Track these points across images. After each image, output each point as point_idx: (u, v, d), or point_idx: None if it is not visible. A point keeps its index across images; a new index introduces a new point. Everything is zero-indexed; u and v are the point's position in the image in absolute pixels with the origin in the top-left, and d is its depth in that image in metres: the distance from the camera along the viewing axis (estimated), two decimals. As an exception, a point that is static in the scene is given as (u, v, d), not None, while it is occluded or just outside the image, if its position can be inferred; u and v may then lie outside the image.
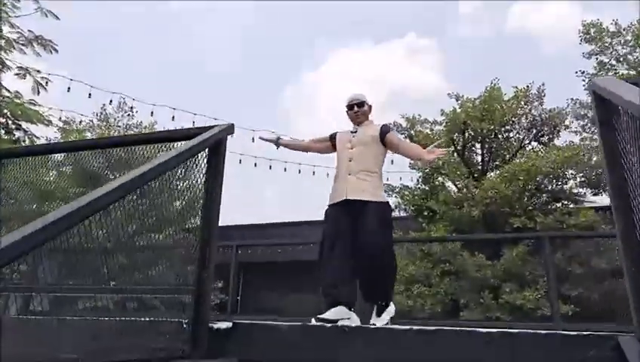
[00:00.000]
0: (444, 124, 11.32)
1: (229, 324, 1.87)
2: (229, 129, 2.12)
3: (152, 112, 10.52)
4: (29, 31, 8.65)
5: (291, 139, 3.69)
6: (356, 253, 2.85)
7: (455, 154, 11.20)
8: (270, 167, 11.20)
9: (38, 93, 9.13)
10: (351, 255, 2.87)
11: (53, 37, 8.88)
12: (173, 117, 8.23)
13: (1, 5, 8.28)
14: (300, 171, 11.71)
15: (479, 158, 11.61)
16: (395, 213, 13.36)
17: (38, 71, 8.57)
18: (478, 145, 11.41)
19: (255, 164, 8.92)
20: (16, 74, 8.92)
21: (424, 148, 3.11)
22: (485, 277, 8.67)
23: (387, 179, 12.32)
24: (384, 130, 3.16)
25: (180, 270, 2.03)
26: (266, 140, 3.43)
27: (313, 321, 2.80)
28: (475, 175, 10.81)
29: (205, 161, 2.03)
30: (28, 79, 8.88)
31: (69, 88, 7.95)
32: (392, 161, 12.23)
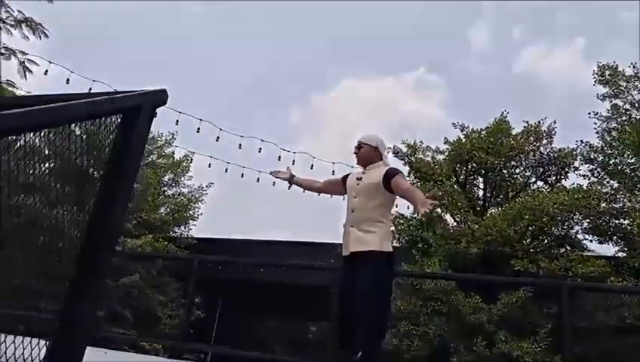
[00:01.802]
0: (447, 152, 10.76)
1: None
2: (155, 95, 1.50)
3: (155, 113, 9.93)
4: (18, 11, 8.18)
5: (305, 179, 3.46)
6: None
7: (456, 185, 10.60)
8: (274, 183, 10.49)
9: (25, 76, 8.59)
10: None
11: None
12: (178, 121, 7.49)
13: None
14: (304, 191, 11.01)
15: (481, 193, 11.01)
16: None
17: (24, 52, 8.05)
18: (480, 179, 10.82)
19: (258, 179, 8.29)
20: (1, 54, 8.40)
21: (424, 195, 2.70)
22: (480, 321, 7.94)
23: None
24: (388, 175, 2.88)
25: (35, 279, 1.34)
26: (280, 178, 3.32)
27: None
28: (476, 209, 10.18)
29: (115, 131, 1.39)
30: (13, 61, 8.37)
31: (46, 71, 7.37)
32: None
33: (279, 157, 7.62)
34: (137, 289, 12.46)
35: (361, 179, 3.01)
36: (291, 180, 3.30)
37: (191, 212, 14.78)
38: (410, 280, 9.38)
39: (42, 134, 1.31)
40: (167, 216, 14.31)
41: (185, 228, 15.15)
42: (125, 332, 11.51)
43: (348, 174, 3.22)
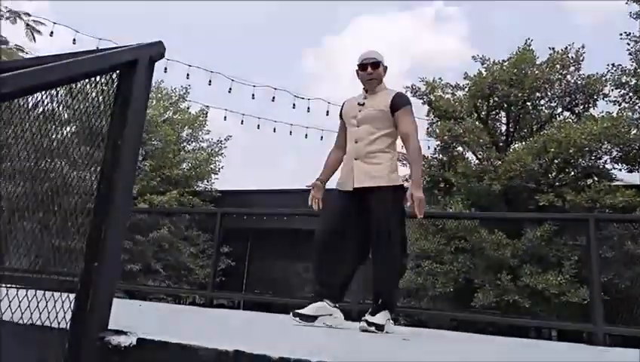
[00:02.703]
0: (467, 88, 10.36)
1: (132, 340, 1.23)
2: (151, 48, 1.41)
3: (165, 68, 9.80)
4: (16, -31, 7.96)
5: (327, 167, 2.90)
6: (363, 245, 2.56)
7: (477, 121, 10.29)
8: (290, 133, 10.45)
9: (34, 38, 8.50)
10: (349, 250, 2.56)
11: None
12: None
13: None
14: (322, 138, 10.91)
15: (504, 128, 10.68)
16: (408, 184, 12.60)
17: (28, 14, 7.92)
18: (503, 114, 10.46)
19: (274, 129, 8.22)
20: (7, 18, 8.29)
21: (415, 183, 2.49)
22: (504, 256, 7.97)
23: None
24: (396, 103, 2.61)
25: (50, 249, 1.35)
26: (317, 197, 2.79)
27: (291, 316, 2.47)
28: (499, 145, 9.93)
29: (113, 88, 1.34)
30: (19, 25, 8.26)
31: (51, 32, 7.26)
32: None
33: (293, 105, 7.48)
34: (168, 243, 12.92)
35: (363, 105, 2.67)
36: (320, 183, 2.83)
37: (212, 166, 14.93)
38: (432, 219, 9.41)
39: (39, 96, 1.27)
40: (190, 172, 14.51)
41: (208, 181, 15.38)
42: (159, 285, 12.09)
43: (342, 106, 2.86)
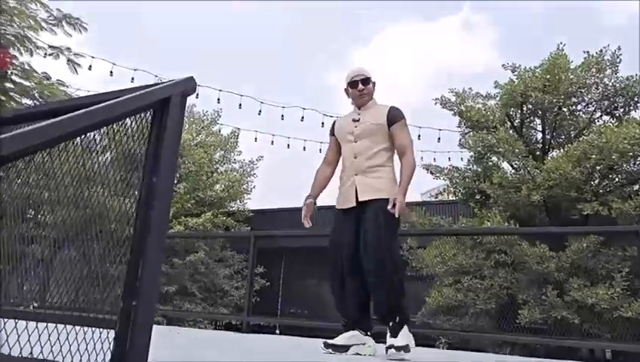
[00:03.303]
0: (498, 97, 10.12)
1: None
2: (183, 84, 1.42)
3: (197, 94, 10.08)
4: (57, 9, 8.38)
5: (314, 184, 2.84)
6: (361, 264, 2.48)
7: (512, 130, 10.01)
8: (320, 150, 10.51)
9: (76, 71, 8.88)
10: (359, 269, 2.48)
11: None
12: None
13: None
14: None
15: (539, 135, 10.34)
16: (444, 197, 12.30)
17: (69, 49, 8.30)
18: (538, 121, 10.14)
19: (304, 148, 8.33)
20: (50, 54, 8.69)
21: (401, 189, 2.48)
22: (548, 270, 7.61)
23: (434, 159, 11.36)
24: (392, 117, 2.63)
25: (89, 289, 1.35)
26: (307, 208, 2.73)
27: (322, 347, 2.43)
28: (536, 154, 9.61)
29: (147, 127, 1.35)
30: (61, 59, 8.65)
31: (90, 66, 7.60)
32: (439, 139, 11.25)
33: (322, 123, 7.51)
34: (204, 266, 13.08)
35: (358, 120, 2.68)
36: (312, 201, 2.76)
37: (244, 186, 15.12)
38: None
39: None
40: (223, 193, 14.73)
41: (241, 202, 15.57)
42: (195, 309, 12.21)
43: (334, 124, 2.86)
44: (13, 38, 7.73)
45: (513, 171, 9.63)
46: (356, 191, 2.55)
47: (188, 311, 12.20)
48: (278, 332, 9.30)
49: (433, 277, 8.91)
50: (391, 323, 2.39)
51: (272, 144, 9.66)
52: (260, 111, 7.20)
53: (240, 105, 7.00)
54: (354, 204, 2.55)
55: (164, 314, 11.27)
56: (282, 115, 7.48)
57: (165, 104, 1.36)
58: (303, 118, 7.66)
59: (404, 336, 2.35)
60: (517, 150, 8.98)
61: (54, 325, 1.15)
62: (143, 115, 1.33)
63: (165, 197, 1.31)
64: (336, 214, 2.67)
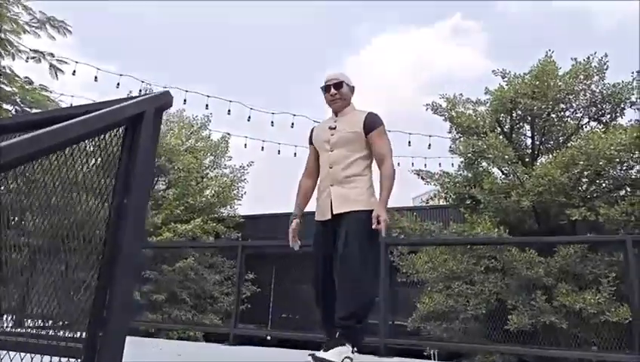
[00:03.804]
0: (488, 103, 10.18)
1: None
2: (158, 99, 1.38)
3: (184, 100, 10.03)
4: (40, 12, 8.25)
5: (298, 199, 2.79)
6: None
7: (502, 136, 10.06)
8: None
9: (57, 77, 8.75)
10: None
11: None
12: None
13: None
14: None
15: (529, 141, 10.41)
16: (435, 202, 12.31)
17: (51, 54, 8.19)
18: (527, 127, 10.21)
19: (295, 154, 8.32)
20: (32, 57, 8.55)
21: (382, 203, 2.39)
22: (537, 275, 7.63)
23: (425, 165, 11.38)
24: (369, 123, 2.54)
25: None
26: (293, 229, 2.65)
27: (310, 360, 2.26)
28: (525, 160, 9.66)
29: (118, 146, 1.30)
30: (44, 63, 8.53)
31: (74, 72, 7.51)
32: (430, 146, 11.28)
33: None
34: (194, 272, 12.94)
35: (334, 128, 2.58)
36: (300, 216, 2.70)
37: (235, 192, 15.02)
38: (459, 236, 9.14)
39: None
40: (213, 198, 14.62)
41: (231, 208, 15.46)
42: (185, 315, 12.07)
43: (311, 132, 2.76)
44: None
45: (503, 177, 9.67)
46: (332, 202, 2.47)
47: (173, 319, 12.05)
48: (269, 338, 9.21)
49: (424, 283, 8.89)
50: (336, 334, 2.27)
51: (262, 150, 9.61)
52: (250, 117, 7.16)
53: (229, 111, 6.95)
54: (329, 217, 2.47)
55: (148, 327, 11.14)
56: (272, 122, 7.45)
57: (138, 120, 1.31)
58: (293, 124, 7.63)
59: (336, 354, 2.19)
60: (507, 156, 9.02)
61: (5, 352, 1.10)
62: (112, 133, 1.29)
63: (137, 219, 1.26)
64: (316, 226, 2.58)
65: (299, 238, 2.63)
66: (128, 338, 1.17)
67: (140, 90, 12.88)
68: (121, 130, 1.29)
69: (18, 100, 7.32)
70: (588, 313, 7.03)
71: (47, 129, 1.11)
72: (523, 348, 4.54)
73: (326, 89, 2.62)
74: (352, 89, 2.68)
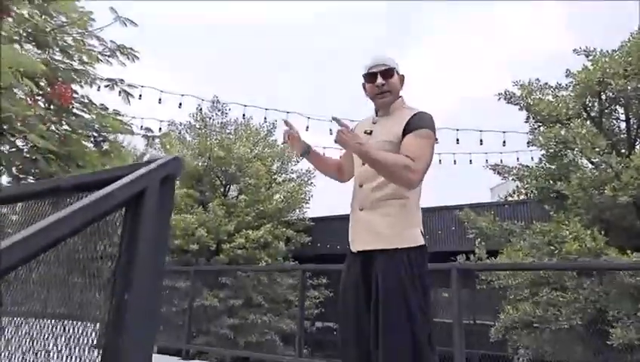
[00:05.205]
0: (571, 87, 9.14)
1: None
2: (163, 169, 1.17)
3: (243, 114, 10.25)
4: (111, 41, 8.69)
5: (326, 157, 2.39)
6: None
7: (589, 122, 9.00)
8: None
9: (129, 101, 9.22)
10: (363, 333, 1.85)
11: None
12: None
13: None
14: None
15: (623, 125, 9.21)
16: (515, 197, 11.38)
17: (122, 80, 8.60)
18: (621, 110, 9.02)
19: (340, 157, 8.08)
20: (106, 85, 9.09)
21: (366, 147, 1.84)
22: (643, 282, 6.67)
23: (500, 160, 10.54)
24: (411, 124, 1.89)
25: None
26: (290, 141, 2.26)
27: None
28: (619, 149, 8.54)
29: (117, 232, 1.12)
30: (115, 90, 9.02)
31: (140, 96, 7.79)
32: (504, 143, 10.40)
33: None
34: (267, 276, 13.13)
35: (370, 133, 2.00)
36: (309, 148, 2.24)
37: (302, 195, 15.04)
38: (545, 238, 8.30)
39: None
40: (282, 203, 14.75)
41: (300, 211, 15.52)
42: (262, 318, 12.27)
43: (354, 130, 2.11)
44: (73, 74, 8.16)
45: (594, 169, 8.62)
46: (356, 234, 1.97)
47: (253, 322, 12.29)
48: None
49: (506, 290, 8.19)
50: None
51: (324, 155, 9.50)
52: (308, 127, 7.01)
53: (285, 122, 6.90)
54: (358, 249, 1.96)
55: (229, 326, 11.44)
56: (330, 130, 7.24)
57: (139, 199, 1.11)
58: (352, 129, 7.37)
59: None
60: (597, 145, 8.02)
61: None
62: (110, 217, 1.10)
63: (142, 318, 1.06)
64: (346, 261, 2.06)
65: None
66: None
67: (199, 107, 13.29)
68: (120, 213, 1.11)
69: (97, 127, 7.74)
70: None
71: (39, 227, 0.93)
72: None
73: (371, 77, 2.00)
74: (401, 78, 2.07)
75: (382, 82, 1.98)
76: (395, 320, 1.73)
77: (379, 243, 1.85)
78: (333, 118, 1.89)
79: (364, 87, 2.09)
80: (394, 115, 2.00)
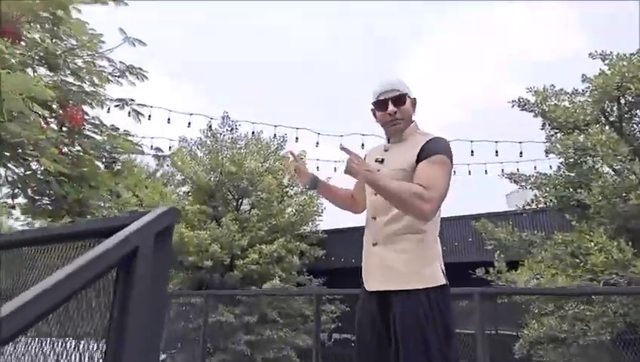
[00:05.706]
0: (587, 93, 8.89)
1: None
2: (157, 222, 1.04)
3: (252, 131, 10.20)
4: (120, 62, 8.74)
5: (337, 187, 2.22)
6: None
7: (608, 127, 8.72)
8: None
9: (139, 120, 9.26)
10: None
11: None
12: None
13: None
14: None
15: (645, 130, 8.91)
16: (533, 206, 11.08)
17: (132, 100, 8.63)
18: (642, 114, 8.75)
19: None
20: (116, 105, 9.13)
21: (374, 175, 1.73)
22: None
23: (517, 169, 10.28)
24: (425, 151, 1.73)
25: None
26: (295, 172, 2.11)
27: None
28: (643, 154, 8.24)
29: (109, 296, 0.99)
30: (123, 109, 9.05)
31: (149, 116, 7.77)
32: (521, 154, 10.16)
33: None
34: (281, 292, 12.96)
35: (382, 161, 1.86)
36: (317, 180, 2.07)
37: (314, 208, 14.90)
38: (568, 249, 8.02)
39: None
40: (295, 216, 14.62)
41: (312, 224, 15.37)
42: (277, 333, 12.08)
43: (364, 158, 1.98)
44: (84, 96, 8.19)
45: (616, 176, 8.33)
46: (369, 272, 1.83)
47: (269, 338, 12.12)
48: None
49: (529, 304, 7.89)
50: None
51: (335, 171, 9.36)
52: (318, 143, 6.93)
53: (297, 138, 6.79)
54: (372, 289, 1.81)
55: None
56: (340, 144, 7.14)
57: (130, 260, 0.98)
58: (363, 145, 7.23)
59: None
60: (618, 152, 7.74)
61: None
62: (99, 284, 0.97)
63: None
64: (359, 299, 1.92)
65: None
66: None
67: (209, 123, 13.28)
68: (110, 276, 0.98)
69: (108, 148, 7.73)
70: None
71: (35, 294, 0.80)
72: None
73: (381, 105, 1.84)
74: (413, 102, 1.88)
75: (393, 110, 1.82)
76: (412, 361, 1.61)
77: (395, 283, 1.70)
78: (342, 148, 1.75)
79: (374, 114, 1.93)
80: (407, 141, 1.86)
